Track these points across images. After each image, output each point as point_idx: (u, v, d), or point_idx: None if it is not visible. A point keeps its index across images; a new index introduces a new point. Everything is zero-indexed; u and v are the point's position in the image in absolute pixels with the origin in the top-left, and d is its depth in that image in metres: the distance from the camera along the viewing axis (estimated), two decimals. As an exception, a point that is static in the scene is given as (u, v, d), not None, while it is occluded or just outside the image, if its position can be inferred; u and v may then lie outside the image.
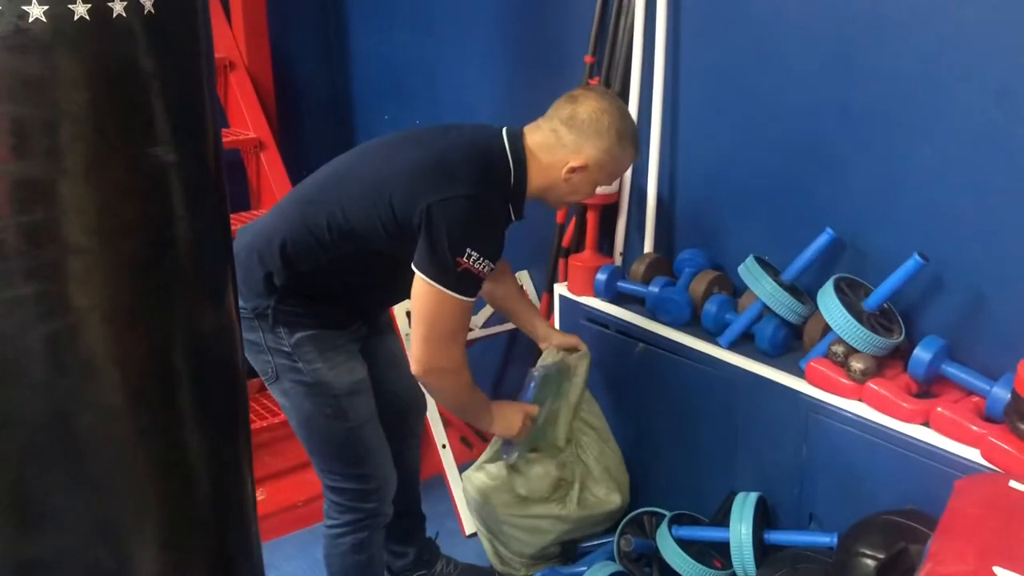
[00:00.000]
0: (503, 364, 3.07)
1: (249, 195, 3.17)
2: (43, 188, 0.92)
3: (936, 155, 1.84)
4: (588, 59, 2.51)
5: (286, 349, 1.86)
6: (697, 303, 2.21)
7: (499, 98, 2.84)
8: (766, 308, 2.05)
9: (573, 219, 2.62)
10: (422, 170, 1.76)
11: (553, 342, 2.24)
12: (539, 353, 2.27)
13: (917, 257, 1.80)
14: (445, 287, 1.72)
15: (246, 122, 3.07)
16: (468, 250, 1.70)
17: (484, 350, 2.96)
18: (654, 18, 2.31)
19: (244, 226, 2.00)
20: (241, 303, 1.80)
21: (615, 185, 2.43)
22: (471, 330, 2.83)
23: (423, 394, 2.19)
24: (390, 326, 2.19)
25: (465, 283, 1.73)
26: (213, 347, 1.16)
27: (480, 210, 1.73)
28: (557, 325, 2.55)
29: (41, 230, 0.93)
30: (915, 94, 1.85)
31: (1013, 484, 1.38)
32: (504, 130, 1.85)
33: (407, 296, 1.81)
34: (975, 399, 1.76)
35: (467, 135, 1.84)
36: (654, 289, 2.26)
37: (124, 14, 0.88)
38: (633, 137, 1.89)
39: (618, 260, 2.53)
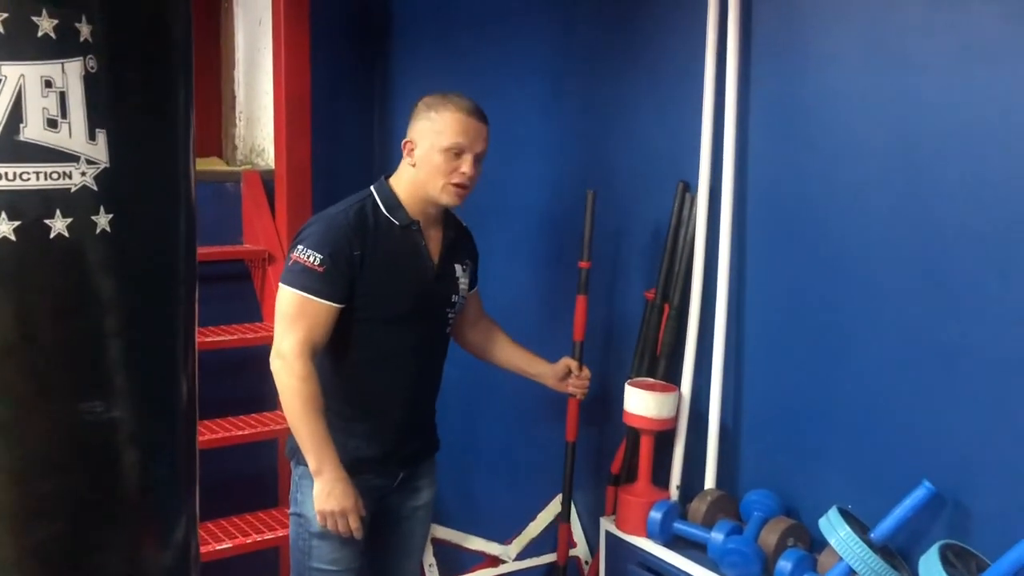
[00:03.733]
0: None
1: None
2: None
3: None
4: (583, 264, 2.31)
5: (295, 478, 2.02)
6: (769, 557, 1.89)
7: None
8: (853, 572, 1.72)
9: (623, 443, 2.35)
10: None
11: (558, 372, 2.25)
12: None
13: (1044, 529, 1.49)
14: (282, 283, 1.91)
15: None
16: (298, 247, 1.90)
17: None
18: (717, 232, 2.13)
19: None
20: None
21: (671, 409, 2.18)
22: (503, 561, 2.51)
23: None
24: (423, 512, 2.15)
25: (296, 275, 1.88)
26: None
27: (315, 222, 1.95)
28: (602, 565, 2.23)
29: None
30: (1015, 336, 1.60)
31: None
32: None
33: (424, 386, 2.07)
34: None
35: None
36: (718, 535, 1.95)
37: (67, 234, 0.69)
38: (443, 99, 1.97)
39: (674, 494, 2.22)
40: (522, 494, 2.66)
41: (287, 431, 2.79)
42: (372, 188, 2.02)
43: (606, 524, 2.22)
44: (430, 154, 1.94)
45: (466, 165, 1.95)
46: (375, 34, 3.35)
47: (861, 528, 1.78)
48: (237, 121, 3.43)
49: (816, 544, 1.92)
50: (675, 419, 2.21)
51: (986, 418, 1.68)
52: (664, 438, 2.24)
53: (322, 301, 1.87)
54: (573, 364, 2.26)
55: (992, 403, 1.67)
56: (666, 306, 2.27)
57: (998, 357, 1.65)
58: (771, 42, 2.04)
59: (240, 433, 2.69)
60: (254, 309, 3.04)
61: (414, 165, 1.97)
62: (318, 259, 1.87)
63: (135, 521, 0.81)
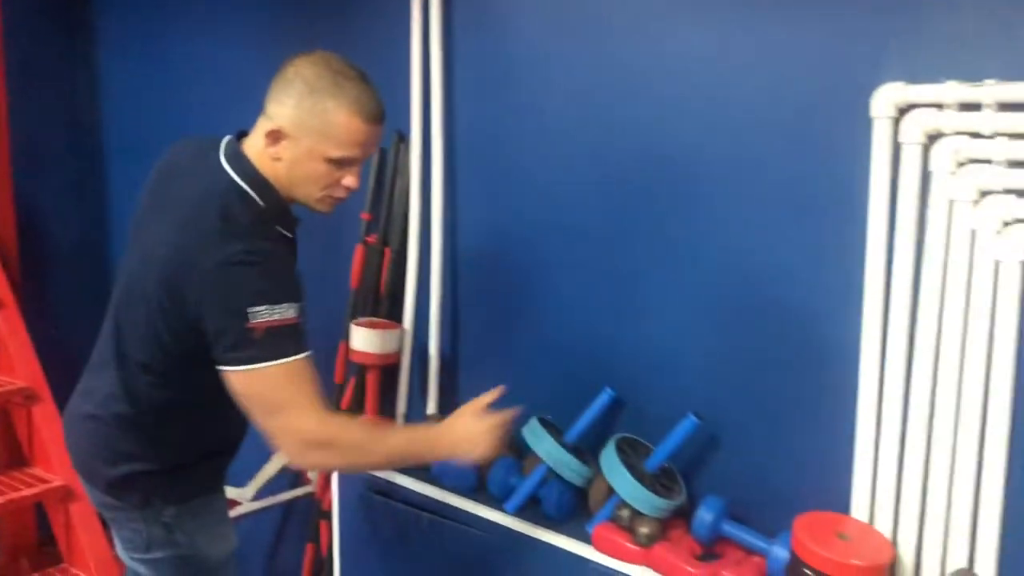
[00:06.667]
0: (276, 541, 2.81)
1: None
2: None
3: (704, 320, 1.90)
4: (365, 216, 2.46)
5: (165, 520, 1.68)
6: (483, 467, 2.12)
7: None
8: (551, 471, 1.99)
9: (352, 379, 2.50)
10: (174, 262, 1.50)
11: None
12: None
13: (692, 417, 1.82)
14: (254, 364, 1.46)
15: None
16: (252, 309, 1.44)
17: (255, 526, 2.70)
18: (430, 179, 2.31)
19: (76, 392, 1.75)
20: (106, 470, 1.67)
21: (395, 345, 2.35)
22: (238, 503, 2.58)
23: None
24: None
25: (275, 344, 1.46)
26: None
27: (241, 261, 1.46)
28: (335, 496, 2.37)
29: None
30: (680, 264, 1.92)
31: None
32: (223, 154, 1.58)
33: None
34: (756, 559, 1.76)
35: (199, 189, 1.55)
36: (437, 454, 2.16)
37: None
38: (336, 88, 1.51)
39: (401, 422, 2.41)
40: (255, 438, 2.73)
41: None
42: (240, 180, 1.54)
43: (338, 456, 2.35)
44: (309, 161, 1.54)
45: (351, 177, 1.58)
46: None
47: (558, 433, 2.05)
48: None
49: (524, 452, 2.17)
50: (399, 354, 2.38)
51: (655, 333, 1.99)
52: (389, 372, 2.41)
53: (308, 352, 1.51)
54: None
55: (660, 321, 1.98)
56: (387, 250, 2.43)
57: (668, 283, 1.96)
58: (471, 2, 2.22)
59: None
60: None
61: (279, 159, 1.55)
62: (293, 309, 1.48)
63: None
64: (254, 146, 1.58)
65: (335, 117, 1.50)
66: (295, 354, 1.48)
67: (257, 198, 1.55)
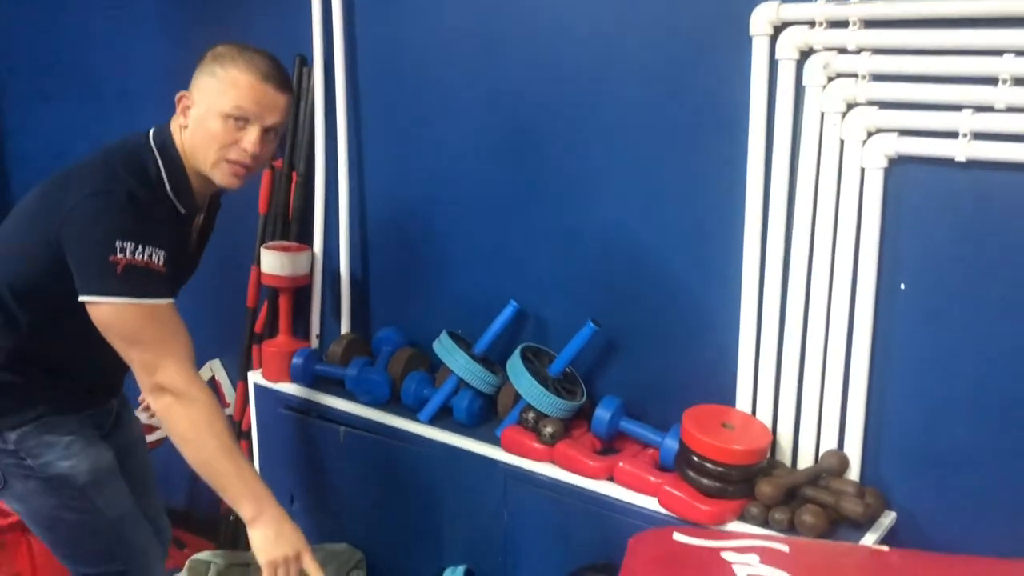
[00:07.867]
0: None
1: None
2: None
3: (599, 233, 2.00)
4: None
5: (9, 448, 1.65)
6: (396, 381, 2.21)
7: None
8: (462, 381, 2.09)
9: (265, 303, 2.54)
10: (53, 188, 1.58)
11: None
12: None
13: (591, 324, 1.93)
14: (115, 296, 1.49)
15: None
16: (118, 243, 1.47)
17: (173, 451, 2.74)
18: (334, 101, 2.33)
19: None
20: None
21: (305, 267, 2.40)
22: (156, 428, 2.61)
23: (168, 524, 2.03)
24: (140, 437, 2.00)
25: (135, 282, 1.49)
26: None
27: (118, 199, 1.51)
28: (253, 415, 2.43)
29: None
30: (578, 180, 2.00)
31: (676, 536, 1.45)
32: (154, 127, 1.68)
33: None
34: (651, 451, 1.90)
35: (117, 142, 1.66)
36: (352, 370, 2.23)
37: None
38: (235, 53, 1.60)
39: (315, 343, 2.48)
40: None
41: None
42: (153, 143, 1.63)
43: (254, 377, 2.41)
44: (206, 118, 1.59)
45: (249, 139, 1.60)
46: None
47: (467, 345, 2.15)
48: None
49: (435, 367, 2.27)
50: (310, 276, 2.43)
51: (555, 246, 2.08)
52: (302, 294, 2.46)
53: (171, 300, 1.56)
54: None
55: (560, 235, 2.07)
56: (293, 174, 2.46)
57: (556, 201, 2.05)
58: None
59: None
60: None
61: (186, 127, 1.63)
62: (161, 258, 1.52)
63: None
64: (174, 122, 1.67)
65: (229, 74, 1.59)
66: (158, 297, 1.52)
67: (161, 164, 1.63)
